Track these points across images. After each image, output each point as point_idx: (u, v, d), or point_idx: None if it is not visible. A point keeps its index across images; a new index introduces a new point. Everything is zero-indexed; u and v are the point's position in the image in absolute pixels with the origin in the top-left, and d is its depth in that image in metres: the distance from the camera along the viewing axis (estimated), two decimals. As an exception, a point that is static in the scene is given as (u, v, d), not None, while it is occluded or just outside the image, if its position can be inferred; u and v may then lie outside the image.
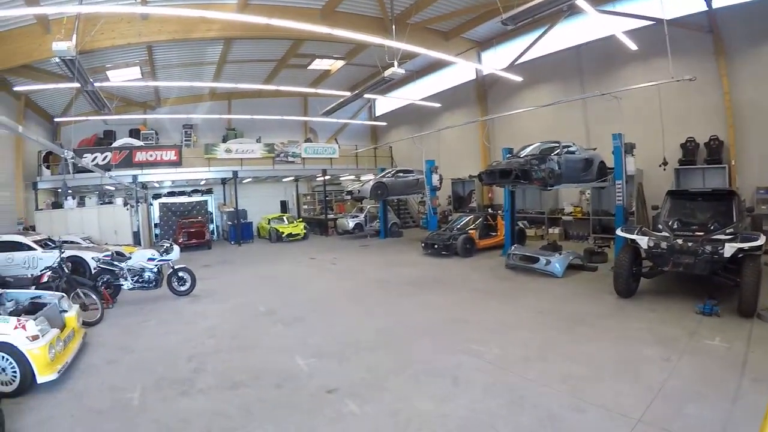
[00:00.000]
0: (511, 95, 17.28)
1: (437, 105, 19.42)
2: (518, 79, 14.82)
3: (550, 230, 14.96)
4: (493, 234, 12.81)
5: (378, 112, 26.70)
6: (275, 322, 7.08)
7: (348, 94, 15.21)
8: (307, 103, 24.51)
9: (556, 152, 10.06)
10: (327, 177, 20.98)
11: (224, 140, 20.97)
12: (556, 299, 7.51)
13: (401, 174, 17.21)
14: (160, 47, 14.98)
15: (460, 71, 19.31)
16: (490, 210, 15.65)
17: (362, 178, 20.54)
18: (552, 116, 15.23)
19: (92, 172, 14.15)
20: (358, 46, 16.53)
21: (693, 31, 11.65)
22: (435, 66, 20.28)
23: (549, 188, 9.96)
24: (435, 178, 15.36)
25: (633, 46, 11.19)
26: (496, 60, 16.63)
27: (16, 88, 14.05)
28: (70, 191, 12.28)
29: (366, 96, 15.60)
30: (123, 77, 16.36)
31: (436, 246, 12.13)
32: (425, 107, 19.86)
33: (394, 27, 10.74)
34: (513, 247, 10.40)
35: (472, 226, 12.66)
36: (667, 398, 3.94)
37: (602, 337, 5.62)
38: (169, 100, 21.24)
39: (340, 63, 18.94)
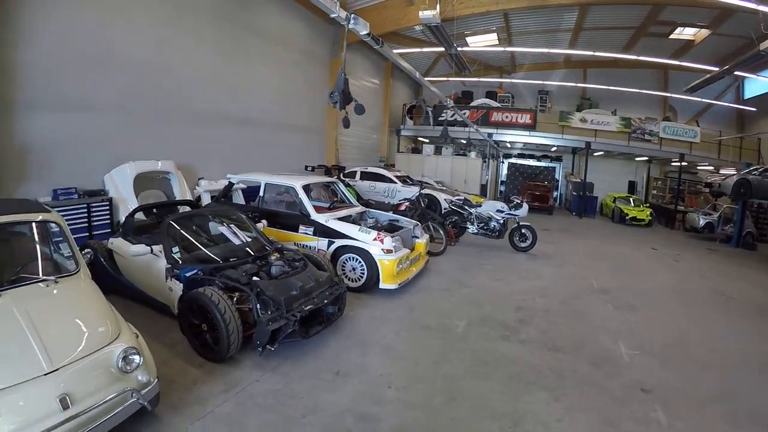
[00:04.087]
0: None
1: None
2: None
3: None
4: None
5: (747, 95, 19.99)
6: (606, 302, 6.69)
7: (715, 69, 12.84)
8: (668, 77, 20.59)
9: None
10: (684, 163, 17.98)
11: (578, 109, 20.16)
12: None
13: None
14: (516, 14, 15.39)
15: None
16: None
17: (722, 171, 17.47)
18: None
19: (451, 126, 16.07)
20: (724, 11, 13.13)
21: None
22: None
23: None
24: (810, 185, 11.73)
25: None
26: None
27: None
28: (448, 138, 14.15)
29: (736, 73, 13.61)
30: (481, 43, 17.51)
31: None
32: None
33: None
34: None
35: None
36: None
37: None
38: (524, 66, 21.76)
39: (705, 32, 15.43)
